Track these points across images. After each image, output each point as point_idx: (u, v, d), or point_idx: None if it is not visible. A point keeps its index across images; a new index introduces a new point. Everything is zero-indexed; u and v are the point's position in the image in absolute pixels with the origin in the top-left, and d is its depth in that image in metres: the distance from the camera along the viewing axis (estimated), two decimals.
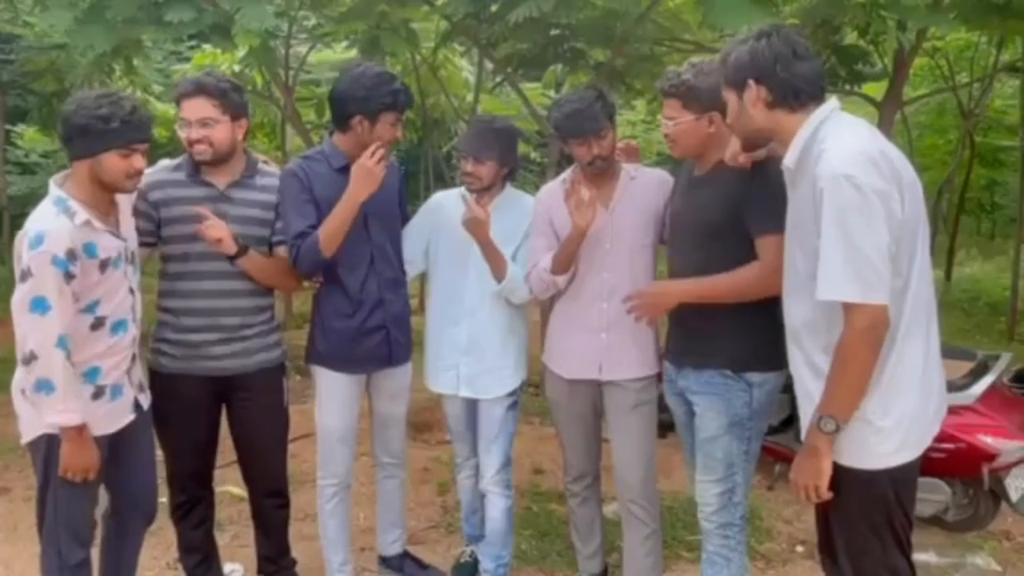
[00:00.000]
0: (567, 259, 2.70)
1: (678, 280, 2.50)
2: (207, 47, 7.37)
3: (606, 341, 2.76)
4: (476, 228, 2.71)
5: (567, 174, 2.84)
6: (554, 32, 5.33)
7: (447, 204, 2.97)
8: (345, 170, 2.73)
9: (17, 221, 10.93)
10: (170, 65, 9.45)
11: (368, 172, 2.60)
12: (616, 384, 2.77)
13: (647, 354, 2.79)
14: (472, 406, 3.00)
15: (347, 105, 2.69)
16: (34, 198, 10.43)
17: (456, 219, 2.80)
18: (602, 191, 2.74)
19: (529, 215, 2.89)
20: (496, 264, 2.78)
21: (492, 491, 2.96)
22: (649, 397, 2.80)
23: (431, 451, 4.50)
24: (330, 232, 2.61)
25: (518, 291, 2.84)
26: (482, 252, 2.77)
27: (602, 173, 2.73)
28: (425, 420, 4.90)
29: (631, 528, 2.84)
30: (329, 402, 2.86)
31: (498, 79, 7.24)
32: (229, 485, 4.01)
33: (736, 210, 2.35)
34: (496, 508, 2.97)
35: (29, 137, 10.25)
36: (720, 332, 2.43)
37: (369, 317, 2.79)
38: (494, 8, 4.86)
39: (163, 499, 2.82)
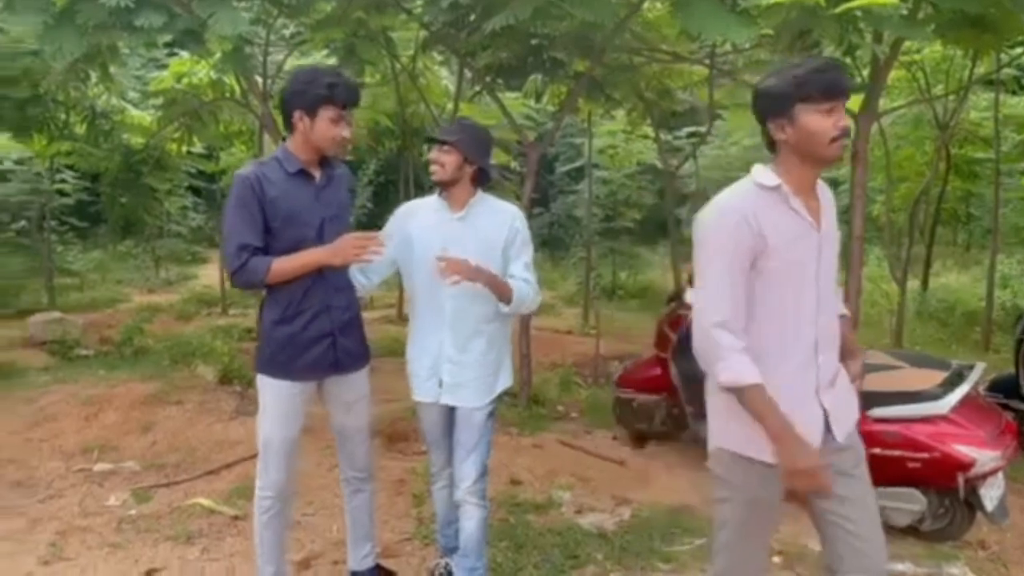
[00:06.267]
0: None
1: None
2: (184, 54, 7.32)
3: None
4: (467, 274, 2.67)
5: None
6: (533, 42, 5.33)
7: (420, 211, 2.93)
8: (300, 174, 2.71)
9: None
10: (148, 72, 9.37)
11: (349, 249, 2.63)
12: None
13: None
14: (450, 414, 2.95)
15: (287, 103, 2.68)
16: (7, 205, 10.35)
17: (429, 226, 2.81)
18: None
19: (508, 225, 2.85)
20: (500, 293, 2.77)
21: (468, 501, 2.90)
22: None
23: (407, 462, 4.44)
24: (281, 273, 2.64)
25: (525, 305, 2.83)
26: (487, 287, 2.74)
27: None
28: (400, 430, 4.85)
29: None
30: (270, 411, 2.79)
31: (478, 88, 7.22)
32: (199, 497, 3.96)
33: None
34: (471, 519, 2.91)
35: (2, 144, 10.08)
36: None
37: (313, 323, 2.74)
38: (472, 17, 4.86)
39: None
